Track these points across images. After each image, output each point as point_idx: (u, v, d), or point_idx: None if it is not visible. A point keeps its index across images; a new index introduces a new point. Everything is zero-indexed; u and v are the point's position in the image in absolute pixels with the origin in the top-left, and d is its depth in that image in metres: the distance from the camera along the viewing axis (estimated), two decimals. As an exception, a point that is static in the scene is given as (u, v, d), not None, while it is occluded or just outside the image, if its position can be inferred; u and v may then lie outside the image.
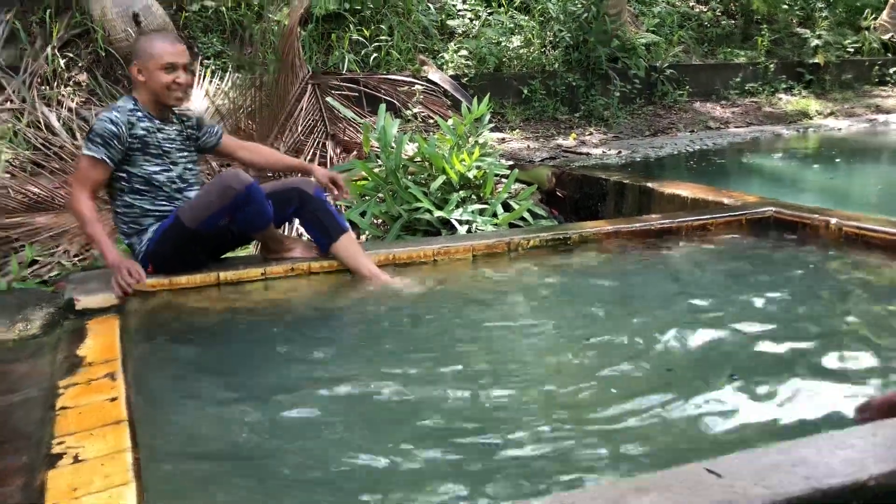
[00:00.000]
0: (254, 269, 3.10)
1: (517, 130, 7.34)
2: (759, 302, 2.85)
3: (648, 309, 2.86)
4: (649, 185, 4.75)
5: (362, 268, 3.13)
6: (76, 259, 4.54)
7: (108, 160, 2.90)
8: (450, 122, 5.26)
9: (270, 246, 3.20)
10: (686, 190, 4.51)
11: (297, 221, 3.96)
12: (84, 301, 2.76)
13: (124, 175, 3.00)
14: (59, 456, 1.72)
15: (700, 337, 2.52)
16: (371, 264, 3.13)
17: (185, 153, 3.16)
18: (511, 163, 5.25)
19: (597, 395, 2.14)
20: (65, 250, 4.67)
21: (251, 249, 3.95)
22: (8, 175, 5.50)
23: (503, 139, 7.08)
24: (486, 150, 4.97)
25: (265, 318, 2.84)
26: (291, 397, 2.18)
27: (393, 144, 4.85)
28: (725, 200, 4.14)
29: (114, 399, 2.02)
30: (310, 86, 6.57)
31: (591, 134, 7.49)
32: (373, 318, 2.86)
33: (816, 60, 9.68)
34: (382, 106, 5.34)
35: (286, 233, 4.19)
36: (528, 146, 6.77)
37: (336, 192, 3.37)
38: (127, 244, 3.16)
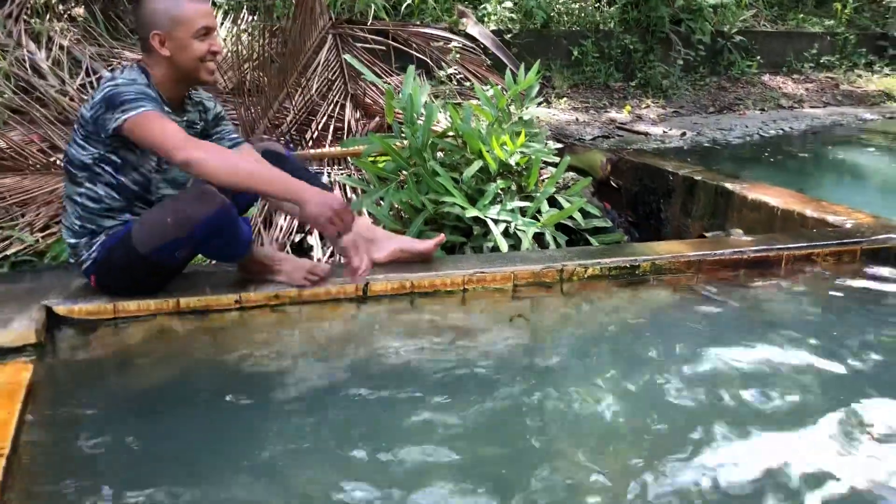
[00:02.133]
0: (225, 294, 2.35)
1: (564, 99, 6.47)
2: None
3: (745, 391, 2.10)
4: (728, 185, 3.91)
5: (361, 230, 2.49)
6: (41, 235, 3.84)
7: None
8: (490, 91, 4.43)
9: (251, 268, 2.45)
10: (775, 197, 3.68)
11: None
12: (-12, 338, 2.04)
13: (109, 159, 2.25)
14: None
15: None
16: (371, 225, 2.52)
17: None
18: (559, 145, 4.41)
19: None
20: (29, 223, 3.98)
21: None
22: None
23: (548, 108, 6.22)
24: (533, 131, 4.14)
25: (235, 374, 2.10)
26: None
27: (422, 115, 4.06)
28: (829, 218, 3.31)
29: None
30: (330, 36, 5.73)
31: (647, 107, 6.60)
32: (378, 372, 2.12)
33: (902, 32, 8.64)
34: (411, 67, 4.51)
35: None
36: (577, 119, 5.92)
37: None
38: (69, 244, 2.42)
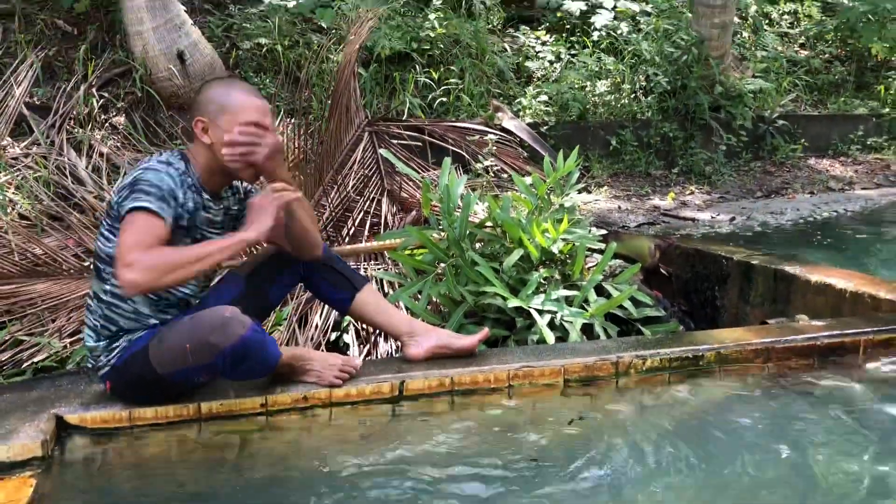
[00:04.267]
0: (250, 397, 2.15)
1: (605, 188, 6.32)
2: None
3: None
4: (788, 269, 3.66)
5: (398, 323, 2.37)
6: (69, 341, 3.72)
7: (167, 217, 2.04)
8: (528, 179, 4.30)
9: (280, 370, 2.26)
10: (841, 278, 3.41)
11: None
12: (-11, 451, 1.86)
13: None
14: None
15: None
16: (410, 318, 2.32)
17: None
18: (603, 232, 4.23)
19: None
20: (58, 328, 3.87)
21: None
22: (13, 231, 4.78)
23: (588, 195, 6.08)
24: (575, 218, 3.97)
25: (261, 487, 1.88)
26: None
27: (459, 206, 3.92)
28: (905, 299, 3.04)
29: None
30: (366, 134, 5.72)
31: (691, 193, 6.41)
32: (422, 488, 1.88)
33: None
34: (447, 160, 4.41)
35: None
36: (619, 206, 5.75)
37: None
38: (88, 347, 2.27)
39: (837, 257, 4.44)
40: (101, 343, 2.19)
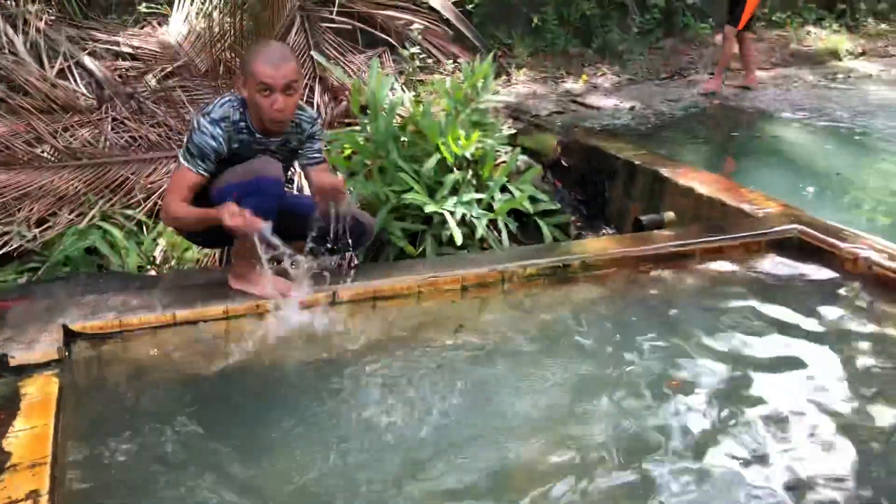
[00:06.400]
0: (214, 306, 2.77)
1: (524, 70, 6.79)
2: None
3: (639, 369, 2.58)
4: (662, 171, 4.34)
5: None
6: (38, 230, 4.19)
7: (204, 174, 2.68)
8: (447, 82, 4.77)
9: (237, 260, 2.87)
10: (702, 183, 4.11)
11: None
12: (20, 357, 2.45)
13: None
14: None
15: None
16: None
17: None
18: (512, 131, 4.79)
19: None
20: (25, 218, 4.32)
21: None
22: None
23: (508, 81, 6.56)
24: (487, 123, 4.52)
25: (227, 379, 2.54)
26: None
27: (385, 108, 4.41)
28: (745, 207, 3.76)
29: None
30: (298, 17, 6.00)
31: (602, 74, 6.93)
32: (345, 369, 2.57)
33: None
34: (374, 61, 4.84)
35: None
36: (535, 92, 6.27)
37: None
38: None
39: (712, 154, 5.09)
40: None
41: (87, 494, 2.05)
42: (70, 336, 2.62)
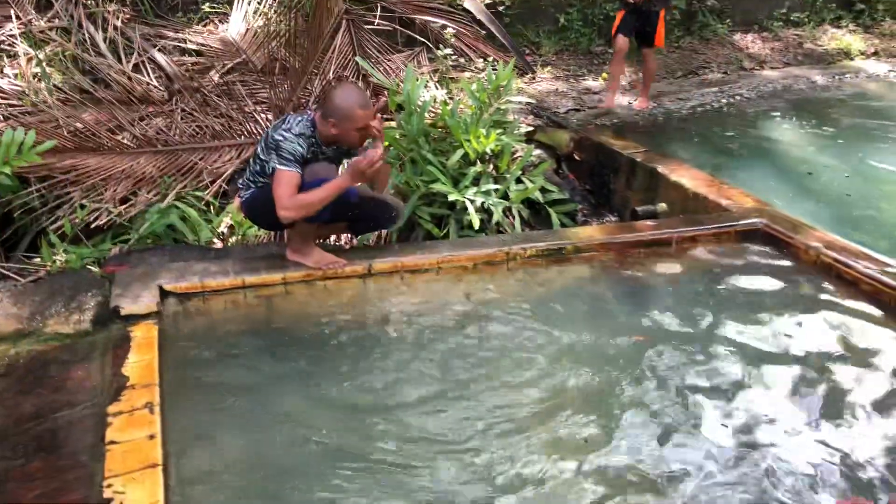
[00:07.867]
0: (274, 273, 3.50)
1: (549, 67, 7.40)
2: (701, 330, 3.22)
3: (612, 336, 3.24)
4: (658, 167, 4.96)
5: None
6: (122, 207, 4.95)
7: (301, 172, 3.35)
8: (473, 86, 5.43)
9: (293, 236, 3.63)
10: (690, 179, 4.73)
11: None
12: (128, 308, 3.20)
13: None
14: (108, 502, 2.20)
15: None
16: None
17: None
18: (529, 128, 5.44)
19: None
20: (111, 197, 5.09)
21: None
22: (59, 103, 5.83)
23: (533, 78, 7.17)
24: (506, 122, 5.17)
25: (283, 330, 3.28)
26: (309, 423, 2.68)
27: (418, 108, 5.09)
28: (723, 202, 4.38)
29: (151, 437, 2.48)
30: (344, 21, 6.69)
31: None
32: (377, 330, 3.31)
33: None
34: (410, 65, 5.51)
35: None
36: (557, 89, 6.88)
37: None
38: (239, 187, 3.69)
39: (708, 155, 5.64)
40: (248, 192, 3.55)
41: (183, 402, 2.79)
42: (164, 294, 3.37)
